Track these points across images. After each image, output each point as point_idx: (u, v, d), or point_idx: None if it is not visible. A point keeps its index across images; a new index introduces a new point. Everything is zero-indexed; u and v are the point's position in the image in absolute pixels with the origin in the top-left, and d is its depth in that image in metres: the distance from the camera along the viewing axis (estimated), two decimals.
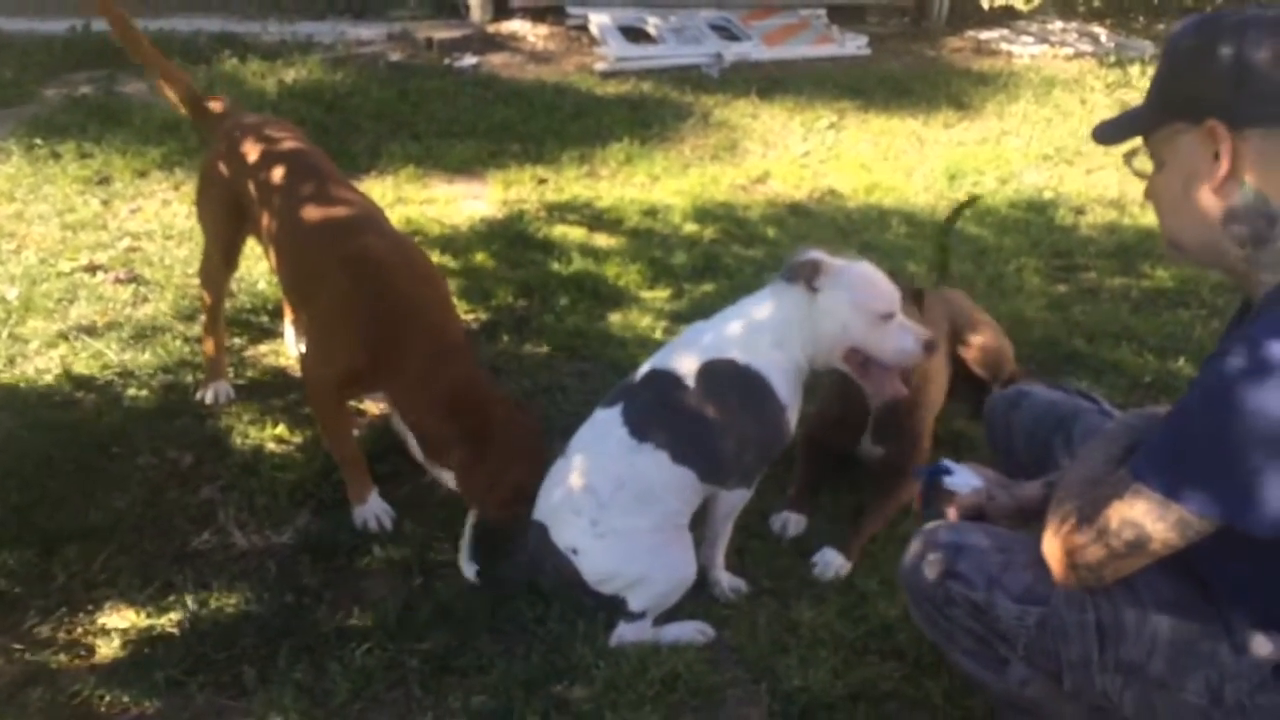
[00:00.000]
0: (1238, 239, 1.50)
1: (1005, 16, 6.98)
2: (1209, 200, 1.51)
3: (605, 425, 2.20)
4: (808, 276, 2.16)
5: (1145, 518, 1.46)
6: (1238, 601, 1.59)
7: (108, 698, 2.03)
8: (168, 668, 2.08)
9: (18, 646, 2.12)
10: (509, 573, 2.28)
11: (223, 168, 2.77)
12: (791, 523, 2.56)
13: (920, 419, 2.69)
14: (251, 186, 2.67)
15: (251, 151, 2.70)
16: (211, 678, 2.08)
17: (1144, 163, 1.63)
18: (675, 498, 2.18)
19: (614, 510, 2.13)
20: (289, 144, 2.75)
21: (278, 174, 2.64)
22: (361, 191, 2.78)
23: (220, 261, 2.92)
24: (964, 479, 1.90)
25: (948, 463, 1.95)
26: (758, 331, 2.21)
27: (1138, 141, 1.63)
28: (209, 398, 2.91)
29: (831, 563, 2.45)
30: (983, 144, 5.22)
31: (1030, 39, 6.89)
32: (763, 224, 4.21)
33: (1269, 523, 1.38)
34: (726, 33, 6.77)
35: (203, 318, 3.00)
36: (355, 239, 2.49)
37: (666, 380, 2.19)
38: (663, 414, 2.17)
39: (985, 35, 6.99)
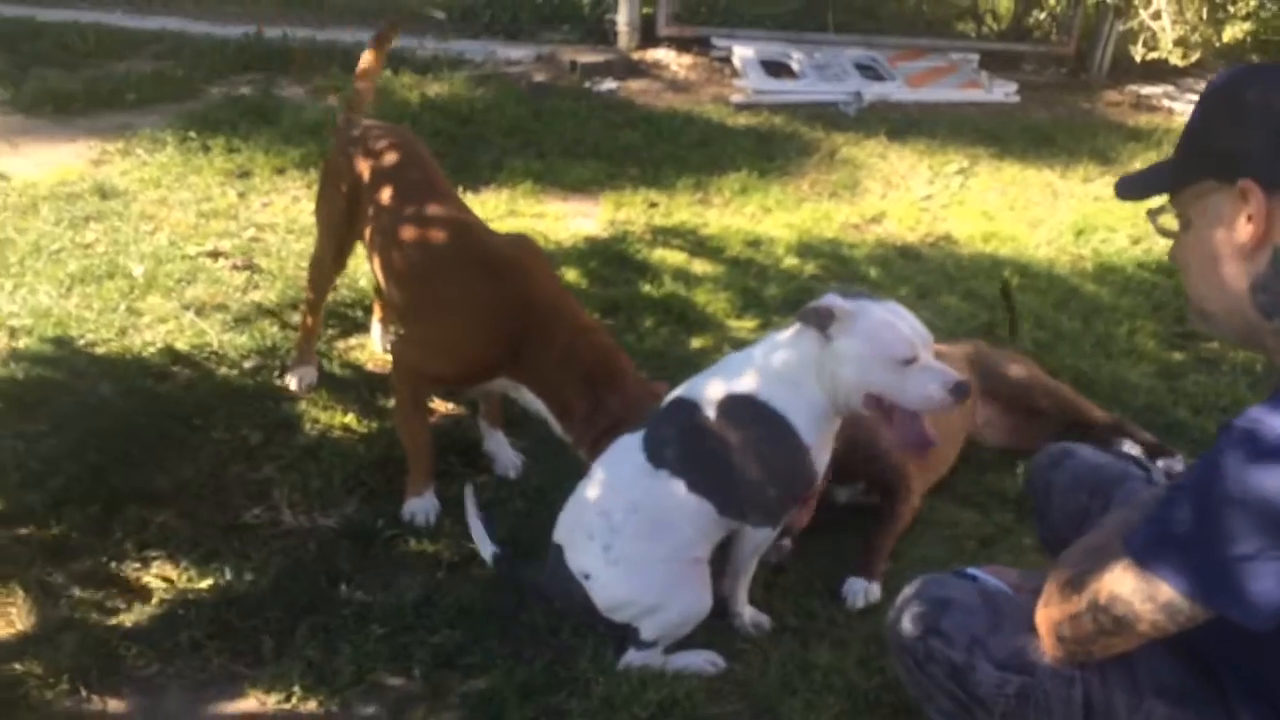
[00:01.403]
0: (1265, 309, 1.40)
1: (1171, 73, 6.65)
2: (1237, 266, 1.40)
3: (626, 449, 2.19)
4: (821, 323, 2.07)
5: (1133, 596, 1.36)
6: (1247, 698, 1.47)
7: (134, 650, 2.14)
8: (193, 630, 2.19)
9: (66, 594, 2.26)
10: (532, 583, 2.29)
11: (341, 169, 2.90)
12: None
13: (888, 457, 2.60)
14: (366, 189, 2.79)
15: (369, 156, 2.82)
16: (230, 644, 2.18)
17: (1169, 221, 1.53)
18: (691, 527, 2.14)
19: (626, 536, 2.10)
20: (404, 151, 2.84)
21: (390, 180, 2.76)
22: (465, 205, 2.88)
23: (330, 260, 3.05)
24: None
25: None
26: (776, 371, 2.14)
27: (1164, 197, 1.54)
28: (293, 383, 3.04)
29: (859, 590, 2.40)
30: (1121, 202, 4.97)
31: (1195, 96, 6.54)
32: (866, 263, 4.13)
33: (1260, 615, 1.27)
34: (872, 72, 6.68)
35: (303, 307, 3.15)
36: (474, 239, 2.61)
37: (689, 409, 2.17)
38: (682, 442, 2.14)
39: (1147, 90, 6.68)
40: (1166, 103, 6.56)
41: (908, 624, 1.62)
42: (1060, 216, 4.80)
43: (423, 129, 5.17)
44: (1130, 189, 1.53)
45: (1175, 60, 5.76)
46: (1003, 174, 5.29)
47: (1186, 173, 1.46)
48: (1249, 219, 1.36)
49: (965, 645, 1.57)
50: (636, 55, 6.78)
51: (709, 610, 2.19)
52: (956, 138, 5.68)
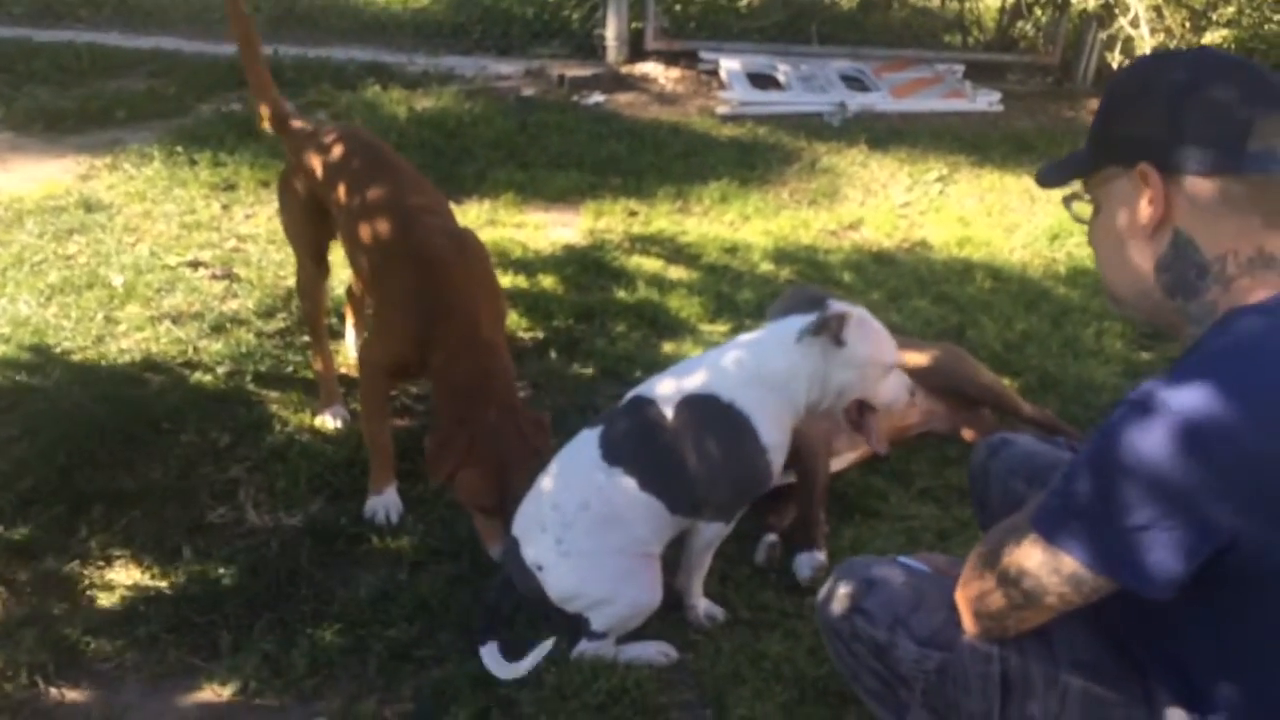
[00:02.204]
0: (1168, 288, 1.44)
1: None
2: (1141, 247, 1.45)
3: (583, 445, 2.21)
4: (836, 332, 2.13)
5: (1040, 569, 1.39)
6: (1163, 676, 1.49)
7: (93, 645, 2.18)
8: (151, 624, 2.23)
9: (28, 590, 2.31)
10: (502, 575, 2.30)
11: (299, 175, 2.94)
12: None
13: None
14: (328, 188, 2.83)
15: (322, 156, 2.86)
16: (189, 638, 2.22)
17: (1083, 208, 1.57)
18: (643, 525, 2.16)
19: (578, 530, 2.13)
20: (361, 146, 2.88)
21: (347, 175, 2.79)
22: (431, 186, 2.90)
23: (312, 267, 3.04)
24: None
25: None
26: (757, 374, 2.17)
27: (1078, 184, 1.58)
28: (329, 422, 2.97)
29: (804, 561, 2.46)
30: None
31: None
32: (841, 269, 4.16)
33: (1155, 584, 1.29)
34: (858, 84, 6.74)
35: (311, 345, 3.13)
36: (415, 234, 2.61)
37: (645, 408, 2.19)
38: (636, 441, 2.16)
39: None
40: None
41: (834, 604, 1.65)
42: (1036, 221, 4.83)
43: (409, 141, 5.25)
44: (1048, 177, 1.58)
45: None
46: (982, 181, 5.33)
47: (1094, 159, 1.50)
48: (1149, 201, 1.40)
49: (888, 624, 1.60)
50: (625, 69, 6.85)
51: (659, 603, 2.21)
52: (938, 146, 5.73)
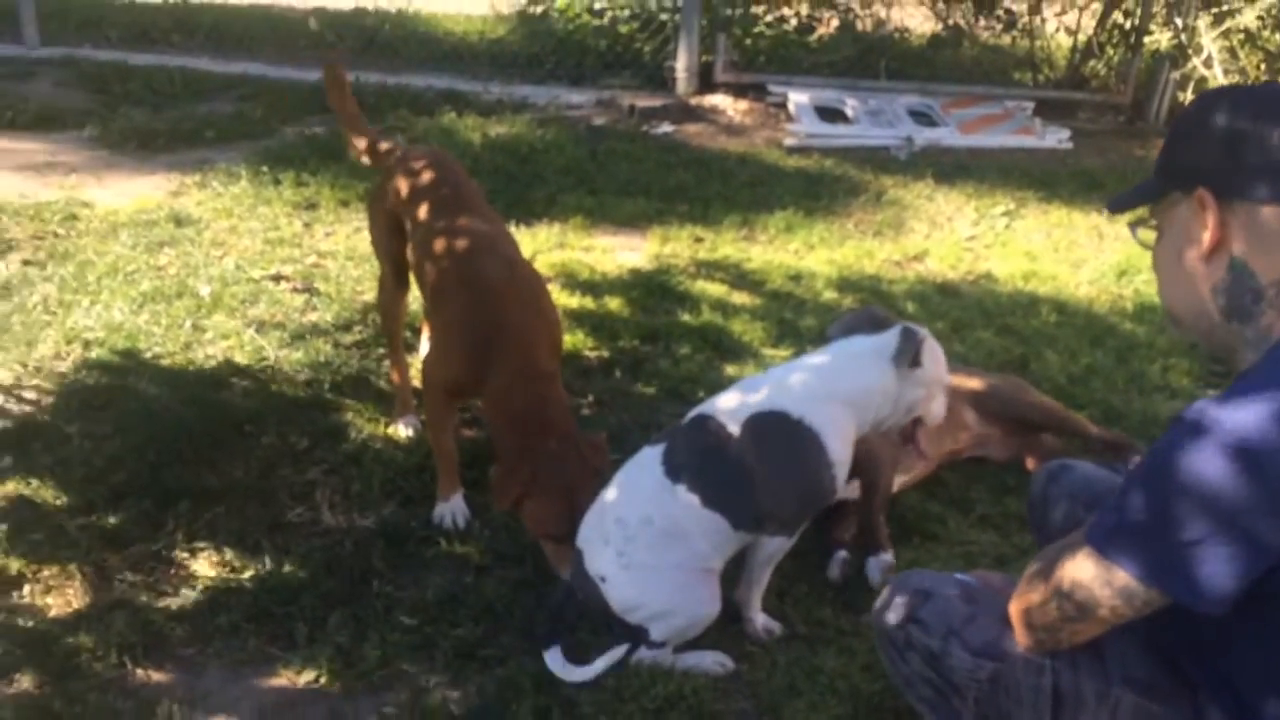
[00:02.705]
0: (1224, 312, 1.48)
1: None
2: (1198, 271, 1.50)
3: (646, 462, 2.28)
4: (916, 352, 2.24)
5: (1093, 582, 1.44)
6: (1214, 692, 1.52)
7: (178, 631, 2.30)
8: (232, 614, 2.34)
9: (119, 577, 2.43)
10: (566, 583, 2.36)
11: (385, 194, 3.07)
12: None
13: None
14: (404, 207, 2.97)
15: (406, 178, 3.00)
16: (267, 628, 2.32)
17: (1148, 234, 1.62)
18: (704, 541, 2.22)
19: (639, 544, 2.19)
20: (439, 173, 3.00)
21: (423, 199, 2.92)
22: (497, 217, 3.01)
23: (392, 281, 3.15)
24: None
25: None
26: (830, 391, 2.26)
27: (1144, 212, 1.63)
28: (402, 431, 3.08)
29: (873, 565, 2.54)
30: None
31: None
32: (905, 299, 4.20)
33: (1208, 599, 1.33)
34: (925, 119, 6.78)
35: (389, 357, 3.26)
36: (475, 262, 2.72)
37: (709, 425, 2.26)
38: (700, 458, 2.22)
39: None
40: None
41: (890, 613, 1.70)
42: (1104, 258, 4.82)
43: (482, 167, 5.39)
44: (1117, 203, 1.63)
45: None
46: (1049, 217, 5.33)
47: (1159, 187, 1.56)
48: (1206, 226, 1.45)
49: (942, 634, 1.64)
50: (694, 100, 6.97)
51: (717, 616, 2.27)
52: (1005, 181, 5.74)
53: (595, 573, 2.22)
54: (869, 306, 3.54)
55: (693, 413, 2.35)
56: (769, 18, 7.41)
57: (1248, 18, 5.57)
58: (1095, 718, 1.54)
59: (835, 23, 7.49)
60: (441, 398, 2.77)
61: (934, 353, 2.32)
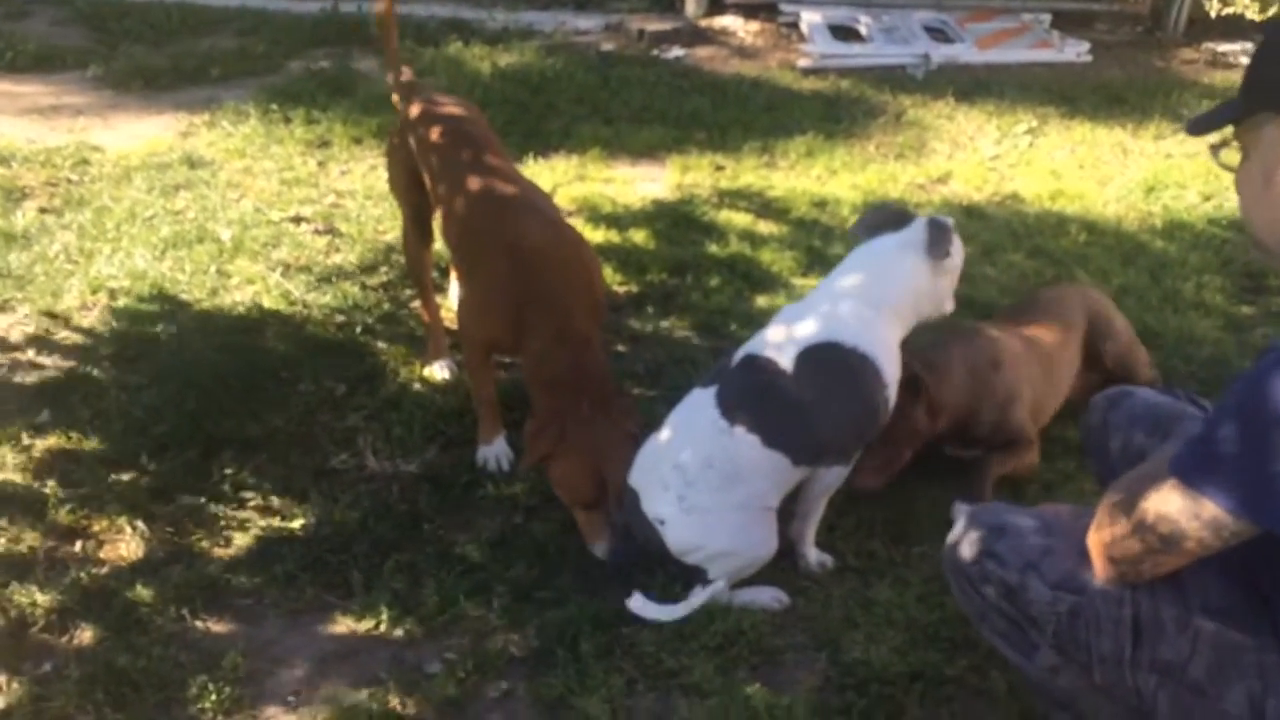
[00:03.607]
0: None
1: (1251, 29, 6.48)
2: None
3: (699, 405, 2.26)
4: (947, 245, 2.31)
5: (1180, 514, 1.42)
6: None
7: (234, 581, 2.31)
8: (287, 563, 2.34)
9: (169, 529, 2.44)
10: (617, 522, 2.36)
11: (403, 143, 3.00)
12: None
13: (996, 410, 2.65)
14: (426, 162, 2.90)
15: (427, 128, 2.92)
16: (323, 577, 2.33)
17: (1231, 155, 1.57)
18: (764, 479, 2.23)
19: (700, 488, 2.18)
20: (461, 124, 2.93)
21: (447, 152, 2.85)
22: (522, 174, 2.94)
23: (415, 232, 3.11)
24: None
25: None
26: (877, 306, 2.27)
27: (1228, 133, 1.58)
28: (437, 373, 3.05)
29: (963, 508, 2.46)
30: (1192, 158, 4.91)
31: None
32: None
33: None
34: (941, 35, 6.63)
35: (417, 297, 3.23)
36: (515, 224, 2.65)
37: (762, 365, 2.24)
38: (757, 399, 2.21)
39: (1224, 48, 6.53)
40: (1244, 59, 6.39)
41: (965, 547, 1.70)
42: (1130, 174, 4.75)
43: (493, 98, 5.29)
44: (1197, 125, 1.58)
45: (1253, 14, 5.64)
46: (1072, 133, 5.24)
47: (1246, 106, 1.50)
48: None
49: (1019, 567, 1.63)
50: (704, 23, 6.81)
51: (774, 554, 2.28)
52: (1026, 98, 5.63)
53: (654, 515, 2.21)
54: (885, 203, 3.47)
55: (740, 352, 2.33)
56: None
57: None
58: (1175, 646, 1.54)
59: None
60: (480, 352, 2.74)
61: (957, 240, 2.37)
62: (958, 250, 2.38)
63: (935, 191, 4.55)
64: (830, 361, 2.22)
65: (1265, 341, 3.35)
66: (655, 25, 6.63)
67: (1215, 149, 1.60)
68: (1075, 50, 6.40)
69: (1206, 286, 3.70)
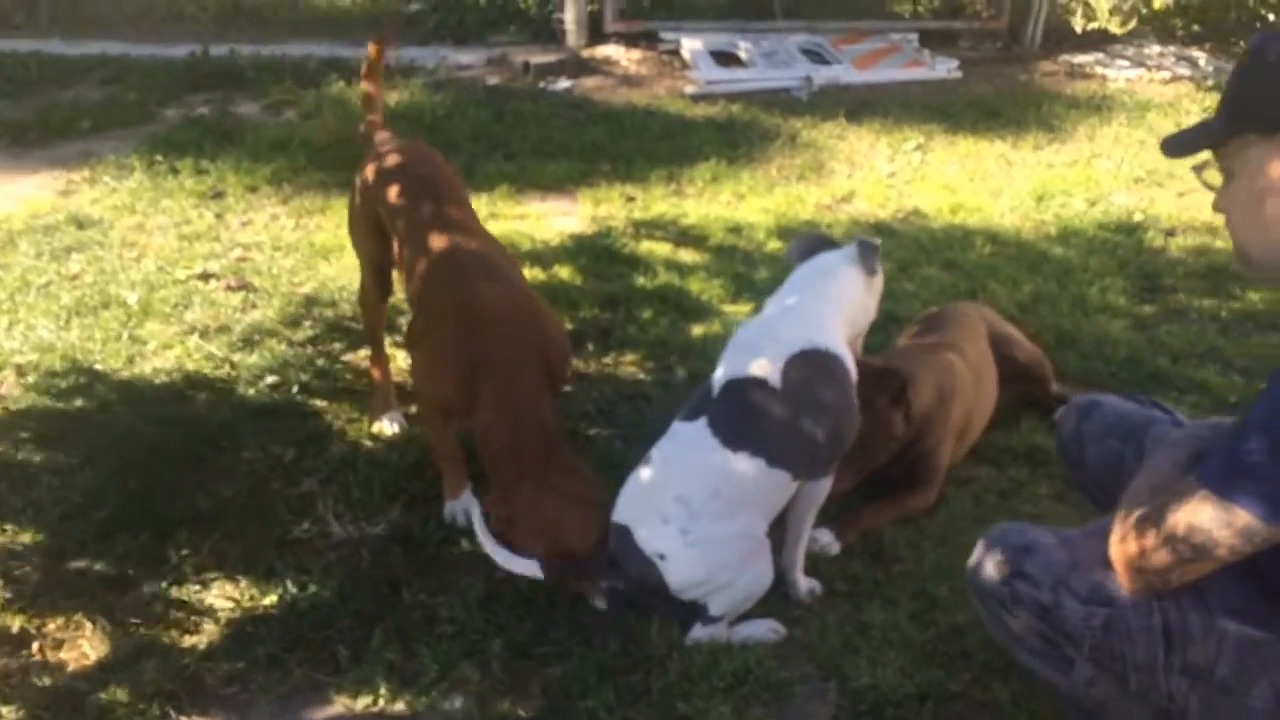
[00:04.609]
0: None
1: (1101, 40, 6.91)
2: (1279, 212, 1.54)
3: (691, 437, 2.26)
4: (876, 261, 2.46)
5: (1211, 524, 1.49)
6: None
7: (215, 670, 2.18)
8: (269, 645, 2.23)
9: (134, 621, 2.28)
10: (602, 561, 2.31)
11: (366, 195, 2.89)
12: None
13: (939, 436, 2.72)
14: (387, 216, 2.80)
15: (388, 181, 2.81)
16: (309, 655, 2.22)
17: (1213, 175, 1.66)
18: (766, 502, 2.25)
19: (705, 519, 2.17)
20: (422, 176, 2.83)
21: (408, 202, 2.76)
22: (485, 231, 2.85)
23: (372, 285, 2.99)
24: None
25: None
26: (831, 314, 2.39)
27: (1207, 154, 1.67)
28: (387, 429, 2.96)
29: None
30: (1072, 166, 5.19)
31: (1126, 63, 6.81)
32: (845, 242, 4.24)
33: None
34: (817, 57, 6.83)
35: (369, 351, 3.10)
36: (468, 288, 2.56)
37: (750, 386, 2.26)
38: (755, 420, 2.23)
39: (1079, 59, 6.92)
40: (1099, 70, 6.81)
41: (991, 571, 1.73)
42: (1018, 185, 4.98)
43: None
44: (1178, 148, 1.66)
45: (1114, 29, 6.00)
46: (957, 148, 5.47)
47: (1229, 129, 1.59)
48: None
49: (1051, 585, 1.68)
50: (586, 53, 6.85)
51: (771, 583, 2.29)
52: (909, 116, 5.85)
53: (653, 551, 2.19)
54: (809, 233, 3.57)
55: (719, 381, 2.33)
56: None
57: None
58: (1203, 649, 1.61)
59: None
60: (436, 414, 2.66)
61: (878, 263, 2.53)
62: (880, 270, 2.53)
63: (841, 211, 4.67)
64: (814, 367, 2.29)
65: (1170, 339, 3.55)
66: (540, 58, 6.63)
67: (1198, 170, 1.69)
68: (946, 67, 6.69)
69: (1109, 289, 3.90)
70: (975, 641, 2.23)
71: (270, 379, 3.20)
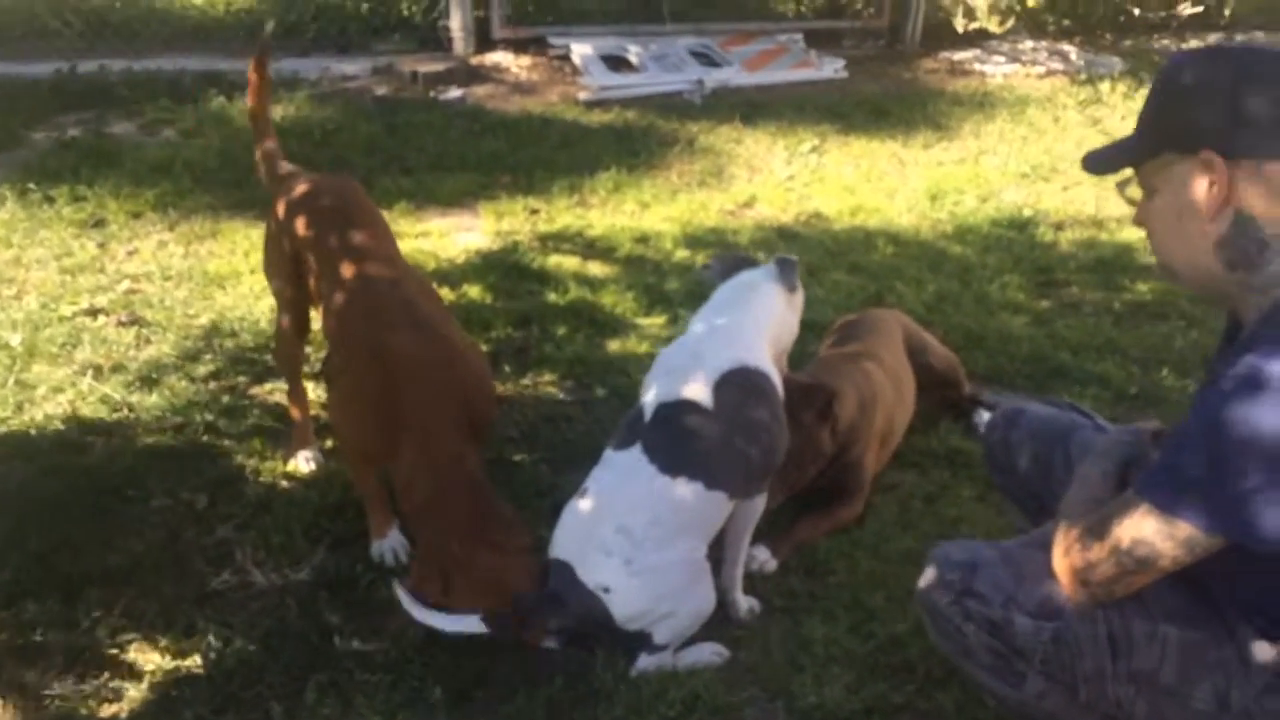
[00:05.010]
0: (1229, 263, 1.58)
1: (978, 37, 7.12)
2: (1202, 227, 1.58)
3: (627, 465, 2.24)
4: (796, 278, 2.52)
5: (1155, 536, 1.53)
6: (1242, 612, 1.66)
7: None
8: (196, 707, 2.12)
9: (48, 693, 2.15)
10: (543, 598, 2.24)
11: (281, 233, 2.77)
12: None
13: (864, 445, 2.75)
14: (303, 252, 2.70)
15: (305, 215, 2.70)
16: (240, 716, 2.12)
17: (1135, 191, 1.71)
18: (706, 525, 2.26)
19: (647, 547, 2.15)
20: (338, 210, 2.72)
21: (323, 243, 2.65)
22: (407, 266, 2.77)
23: (292, 324, 2.86)
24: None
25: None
26: (757, 333, 2.42)
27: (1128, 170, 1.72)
28: (302, 466, 2.86)
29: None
30: (961, 163, 5.33)
31: (1002, 59, 7.03)
32: (753, 248, 4.28)
33: (1270, 538, 1.45)
34: (707, 59, 6.87)
35: (287, 389, 2.98)
36: (382, 329, 2.47)
37: (682, 409, 2.25)
38: (690, 443, 2.23)
39: (959, 56, 7.12)
40: (978, 66, 7.01)
41: (942, 590, 1.76)
42: (912, 184, 5.09)
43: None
44: (1098, 165, 1.70)
45: (993, 28, 6.18)
46: (851, 148, 5.56)
47: (1149, 148, 1.63)
48: (1211, 184, 1.54)
49: (1000, 602, 1.71)
50: (475, 60, 6.75)
51: (714, 607, 2.28)
52: (802, 117, 5.93)
53: (597, 584, 2.15)
54: (729, 252, 3.61)
55: (649, 406, 2.32)
56: None
57: None
58: (1147, 655, 1.66)
59: None
60: (357, 457, 2.58)
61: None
62: (801, 287, 2.59)
63: (745, 216, 4.71)
64: (744, 385, 2.31)
65: (1069, 332, 3.67)
66: (428, 66, 6.51)
67: (1121, 186, 1.74)
68: (833, 67, 6.80)
69: (1008, 286, 4.02)
70: (916, 652, 2.26)
71: (173, 420, 3.06)
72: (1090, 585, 1.64)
